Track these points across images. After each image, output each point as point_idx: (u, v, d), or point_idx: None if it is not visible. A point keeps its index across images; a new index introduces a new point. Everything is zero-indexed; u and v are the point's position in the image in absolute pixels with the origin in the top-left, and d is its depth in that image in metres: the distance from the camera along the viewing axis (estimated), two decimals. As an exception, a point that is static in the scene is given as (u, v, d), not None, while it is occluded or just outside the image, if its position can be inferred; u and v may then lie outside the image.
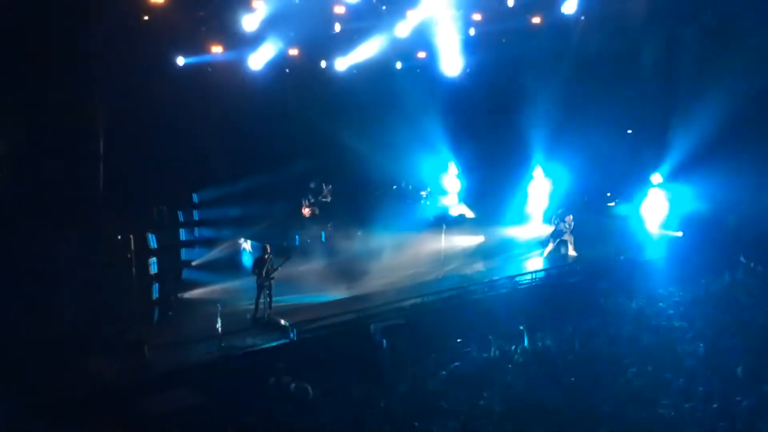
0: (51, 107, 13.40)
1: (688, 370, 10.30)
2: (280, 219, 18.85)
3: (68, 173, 13.52)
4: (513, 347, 12.23)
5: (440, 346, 12.76)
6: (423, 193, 22.04)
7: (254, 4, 17.28)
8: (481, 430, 9.07)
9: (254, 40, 18.24)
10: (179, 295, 15.12)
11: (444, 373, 11.16)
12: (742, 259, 16.14)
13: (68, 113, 13.63)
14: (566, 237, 18.69)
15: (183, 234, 16.96)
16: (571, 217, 18.72)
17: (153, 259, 13.95)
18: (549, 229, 19.27)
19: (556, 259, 18.52)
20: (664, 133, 21.36)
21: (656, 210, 20.73)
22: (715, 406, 8.90)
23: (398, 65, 22.40)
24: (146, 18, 16.38)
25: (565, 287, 16.29)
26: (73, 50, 13.46)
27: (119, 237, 13.57)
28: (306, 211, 19.34)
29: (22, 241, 12.62)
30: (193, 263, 16.75)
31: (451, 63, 21.16)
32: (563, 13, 19.57)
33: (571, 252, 18.65)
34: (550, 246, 18.74)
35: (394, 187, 21.67)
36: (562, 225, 18.68)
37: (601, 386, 10.11)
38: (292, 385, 11.04)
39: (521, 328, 12.91)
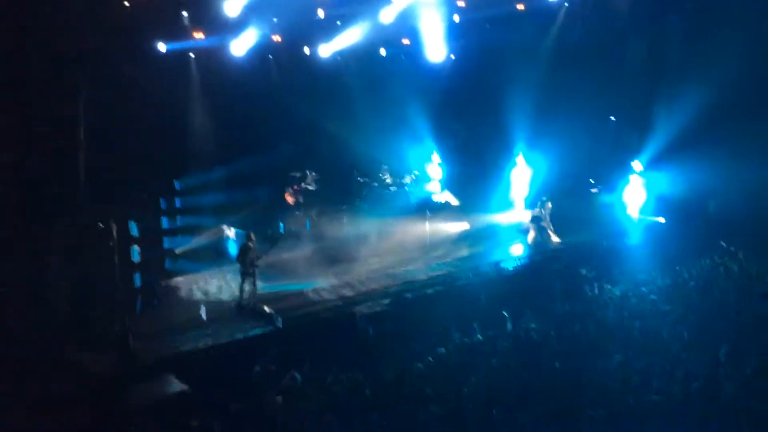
0: (29, 96, 13.21)
1: (671, 353, 10.43)
2: (265, 206, 18.77)
3: (48, 162, 13.37)
4: (497, 332, 12.30)
5: (426, 332, 12.80)
6: (407, 179, 22.03)
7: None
8: (467, 415, 9.11)
9: (236, 26, 18.03)
10: (163, 283, 15.03)
11: (429, 358, 11.21)
12: (722, 243, 16.33)
13: (47, 101, 13.46)
14: (544, 224, 18.77)
15: (165, 222, 16.82)
16: (550, 204, 18.79)
17: (135, 248, 13.84)
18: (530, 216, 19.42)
19: (539, 245, 18.63)
20: (646, 120, 21.50)
21: (638, 196, 20.91)
22: (696, 385, 9.02)
23: (382, 51, 22.30)
24: (126, 3, 16.13)
25: (549, 273, 16.39)
26: (51, 37, 13.26)
27: (101, 225, 13.42)
28: (290, 198, 19.25)
29: (5, 232, 12.48)
30: (177, 251, 16.64)
31: (436, 49, 21.09)
32: (547, 0, 19.55)
33: (554, 238, 18.76)
34: (532, 233, 18.85)
35: (379, 176, 21.64)
36: (537, 211, 18.78)
37: (584, 370, 10.21)
38: (277, 372, 11.05)
39: (504, 313, 13.00)
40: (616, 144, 22.29)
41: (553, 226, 18.88)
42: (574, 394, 9.38)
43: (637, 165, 20.96)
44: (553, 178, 21.31)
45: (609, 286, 14.82)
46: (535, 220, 18.88)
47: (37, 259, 12.51)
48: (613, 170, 21.71)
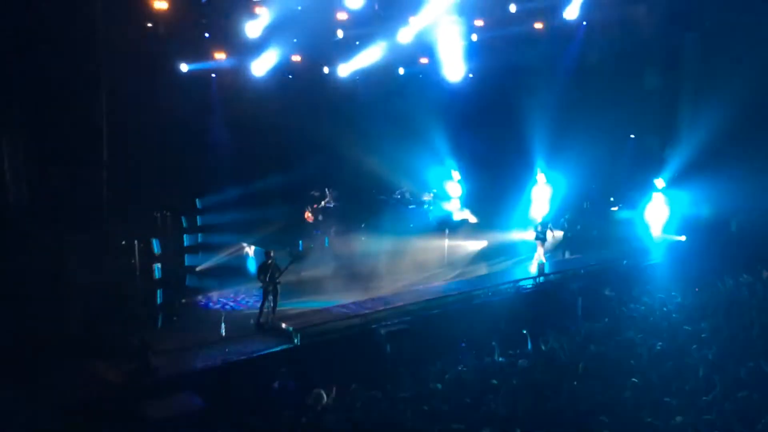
0: (55, 113, 13.47)
1: (693, 373, 10.27)
2: (284, 224, 18.87)
3: (73, 179, 13.58)
4: (517, 351, 12.22)
5: (444, 350, 12.74)
6: (426, 197, 22.08)
7: (257, 11, 17.34)
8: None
9: (257, 47, 18.31)
10: (183, 300, 15.14)
11: (448, 377, 11.15)
12: (745, 262, 16.15)
13: (72, 119, 13.71)
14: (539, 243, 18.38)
15: (187, 239, 16.99)
16: (540, 219, 18.80)
17: (157, 265, 13.97)
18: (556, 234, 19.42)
19: (555, 264, 18.53)
20: (666, 138, 21.40)
21: (659, 214, 20.75)
22: (721, 406, 8.86)
23: (401, 71, 22.49)
24: (150, 25, 16.46)
25: (570, 292, 16.27)
26: (77, 56, 13.54)
27: (123, 242, 13.59)
28: (309, 217, 19.35)
29: (27, 247, 12.68)
30: (197, 269, 16.78)
31: (454, 68, 21.22)
32: (565, 19, 19.60)
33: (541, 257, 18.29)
34: (540, 249, 18.58)
35: (397, 194, 21.69)
36: (540, 229, 18.52)
37: (605, 390, 10.09)
38: (295, 390, 11.04)
39: (524, 332, 12.91)
40: (636, 162, 22.19)
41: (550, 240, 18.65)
42: (594, 415, 9.25)
43: (658, 183, 20.84)
44: (573, 196, 21.25)
45: (630, 305, 14.67)
46: (538, 237, 18.72)
47: (54, 269, 12.68)
48: (633, 188, 21.62)
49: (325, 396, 10.67)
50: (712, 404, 9.13)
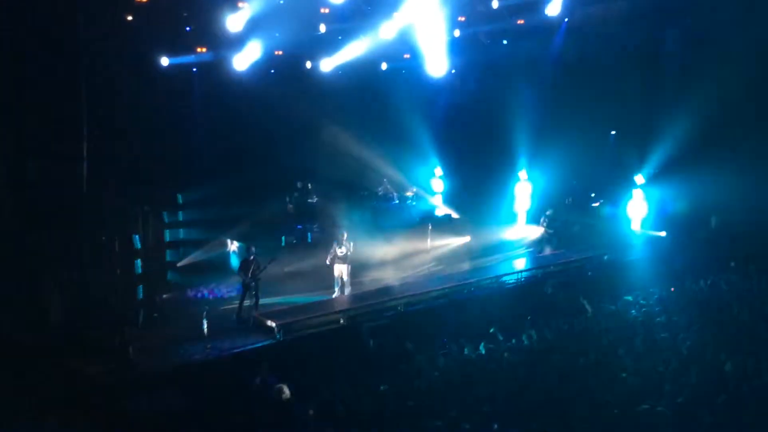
0: (33, 107, 13.31)
1: (671, 367, 10.41)
2: (266, 219, 18.79)
3: (52, 174, 13.43)
4: (498, 346, 12.30)
5: (427, 345, 12.77)
6: (409, 193, 22.09)
7: (239, 5, 17.20)
8: (468, 428, 9.07)
9: (239, 41, 18.18)
10: (164, 296, 15.03)
11: (432, 372, 11.19)
12: (724, 257, 16.35)
13: (51, 113, 13.55)
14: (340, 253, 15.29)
15: (168, 235, 16.86)
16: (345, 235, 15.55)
17: (137, 261, 13.85)
18: (538, 230, 19.51)
19: (541, 258, 18.63)
20: (647, 134, 21.54)
21: (640, 210, 20.93)
22: (697, 398, 8.99)
23: (383, 66, 22.46)
24: (130, 18, 16.28)
25: (551, 287, 16.35)
26: (56, 49, 13.38)
27: (103, 238, 13.46)
28: (292, 212, 19.29)
29: (4, 242, 12.53)
30: (179, 264, 16.66)
31: (436, 64, 21.20)
32: (547, 15, 19.66)
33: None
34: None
35: (379, 190, 21.68)
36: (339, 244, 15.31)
37: (584, 384, 10.19)
38: (277, 386, 11.01)
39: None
40: (617, 158, 22.34)
41: None
42: (573, 409, 9.34)
43: (638, 179, 21.01)
44: (555, 191, 21.38)
45: (610, 300, 14.81)
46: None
47: (33, 265, 12.55)
48: (614, 184, 21.76)
49: (307, 392, 10.66)
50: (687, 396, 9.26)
